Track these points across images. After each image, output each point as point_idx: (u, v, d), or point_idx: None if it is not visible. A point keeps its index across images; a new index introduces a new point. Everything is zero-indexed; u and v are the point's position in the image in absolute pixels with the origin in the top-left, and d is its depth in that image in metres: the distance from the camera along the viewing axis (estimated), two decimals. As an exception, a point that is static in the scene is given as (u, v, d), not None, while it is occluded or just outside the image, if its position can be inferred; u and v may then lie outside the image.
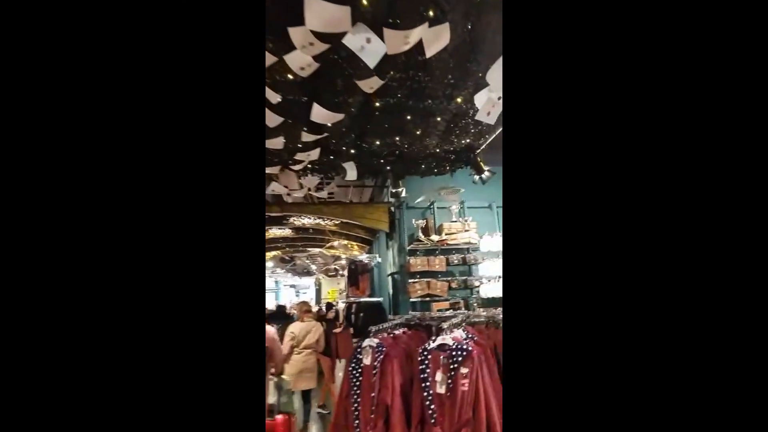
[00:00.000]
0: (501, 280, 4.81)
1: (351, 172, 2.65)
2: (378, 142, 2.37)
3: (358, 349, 2.26)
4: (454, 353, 1.99)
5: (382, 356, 2.15)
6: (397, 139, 2.32)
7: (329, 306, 4.86)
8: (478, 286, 4.75)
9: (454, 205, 4.98)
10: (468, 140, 2.45)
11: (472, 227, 4.94)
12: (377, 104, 1.99)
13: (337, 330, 4.38)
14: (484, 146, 2.70)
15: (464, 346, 1.99)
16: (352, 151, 2.40)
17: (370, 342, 2.24)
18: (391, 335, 2.44)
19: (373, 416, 2.07)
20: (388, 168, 2.78)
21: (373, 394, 2.10)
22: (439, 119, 2.13)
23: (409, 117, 2.08)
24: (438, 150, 2.58)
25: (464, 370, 1.94)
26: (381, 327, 2.43)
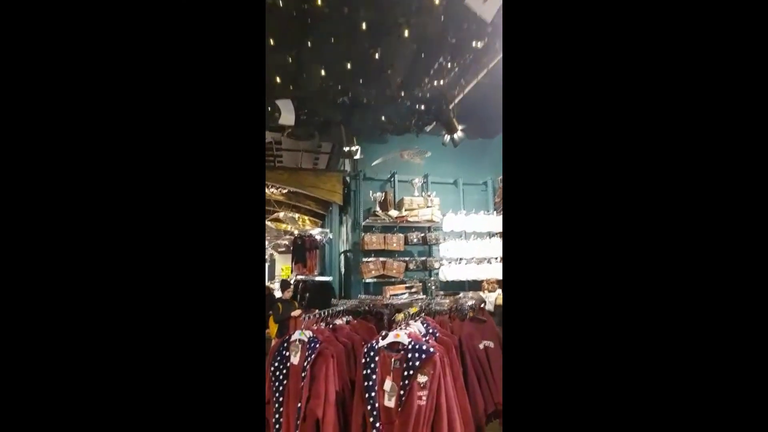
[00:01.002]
0: (464, 262, 4.45)
1: (287, 114, 2.02)
2: (323, 73, 1.73)
3: (284, 344, 1.70)
4: (409, 355, 1.49)
5: (314, 354, 1.62)
6: (349, 66, 1.71)
7: (285, 284, 4.16)
8: (438, 268, 4.35)
9: (416, 179, 4.49)
10: (441, 83, 1.90)
11: (435, 203, 4.49)
12: (320, 3, 1.35)
13: (296, 313, 3.76)
14: (460, 97, 2.18)
15: (423, 347, 1.50)
16: (290, 87, 1.77)
17: (299, 335, 1.69)
18: (330, 326, 1.90)
19: (298, 433, 1.55)
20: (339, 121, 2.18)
21: (300, 404, 1.58)
22: (406, 33, 1.51)
23: (364, 26, 1.43)
24: (402, 95, 2.01)
25: (422, 379, 1.45)
26: (311, 314, 1.88)
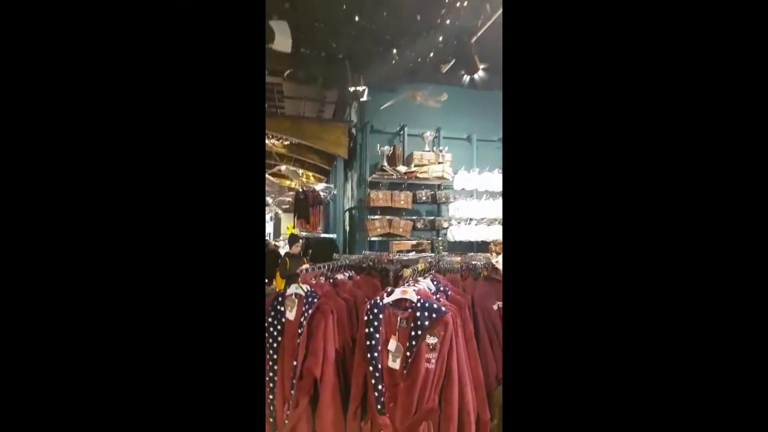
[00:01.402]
0: (473, 223, 4.24)
1: (282, 38, 1.72)
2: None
3: (279, 298, 1.54)
4: (418, 314, 1.32)
5: (312, 310, 1.46)
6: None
7: (294, 239, 3.98)
8: (447, 228, 4.16)
9: (427, 132, 4.19)
10: (459, 20, 1.57)
11: (446, 160, 4.22)
12: None
13: (304, 268, 3.62)
14: (484, 29, 1.84)
15: (434, 306, 1.32)
16: (286, 5, 1.47)
17: (296, 289, 1.52)
18: (331, 280, 1.74)
19: (293, 392, 1.43)
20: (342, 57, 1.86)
21: (295, 362, 1.44)
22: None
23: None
24: (418, 19, 1.69)
25: (431, 341, 1.29)
26: (316, 267, 1.71)
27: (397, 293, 1.38)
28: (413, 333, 1.30)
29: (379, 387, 1.32)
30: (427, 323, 1.29)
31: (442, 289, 1.54)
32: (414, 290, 1.38)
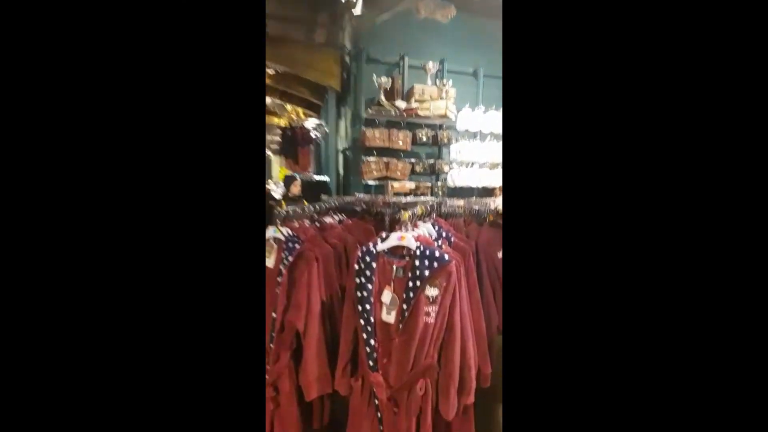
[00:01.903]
0: (476, 166, 3.98)
1: None
2: None
3: (257, 244, 1.33)
4: (417, 263, 1.12)
5: (293, 257, 1.26)
6: None
7: (289, 180, 3.70)
8: (447, 173, 3.90)
9: (430, 63, 3.75)
10: None
11: (450, 96, 3.83)
12: None
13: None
14: None
15: (435, 254, 1.12)
16: None
17: (274, 232, 1.31)
18: (317, 223, 1.52)
19: (273, 346, 1.28)
20: None
21: (274, 314, 1.27)
22: None
23: None
24: None
25: (431, 292, 1.10)
26: (299, 209, 1.49)
27: (394, 239, 1.17)
28: (411, 284, 1.12)
29: (372, 342, 1.17)
30: (427, 273, 1.10)
31: (444, 235, 1.34)
32: (413, 236, 1.17)
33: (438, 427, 1.15)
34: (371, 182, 3.70)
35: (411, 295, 1.11)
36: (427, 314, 1.11)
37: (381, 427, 1.16)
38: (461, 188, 3.92)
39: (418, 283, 1.11)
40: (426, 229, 1.30)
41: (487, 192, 3.97)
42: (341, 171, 4.22)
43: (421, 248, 1.13)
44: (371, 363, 1.16)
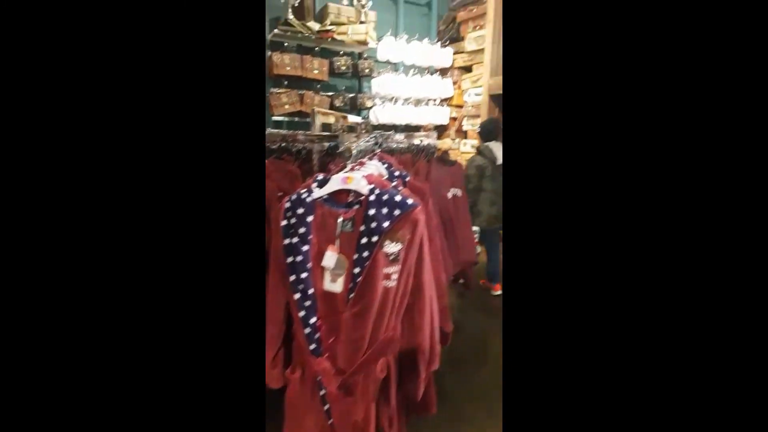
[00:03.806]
0: (400, 102, 3.67)
1: None
2: None
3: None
4: (372, 211, 0.83)
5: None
6: None
7: None
8: (370, 108, 3.53)
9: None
10: None
11: (370, 20, 3.34)
12: None
13: None
14: None
15: (396, 198, 0.83)
16: None
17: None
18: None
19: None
20: None
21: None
22: None
23: None
24: None
25: (392, 248, 0.83)
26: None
27: (336, 182, 0.84)
28: (364, 239, 0.83)
29: (311, 320, 0.87)
30: (386, 224, 0.81)
31: (398, 174, 1.04)
32: (363, 176, 0.85)
33: (401, 409, 0.95)
34: (281, 118, 3.16)
35: (365, 254, 0.83)
36: (387, 277, 0.84)
37: (330, 421, 0.92)
38: (385, 126, 3.62)
39: (374, 238, 0.82)
40: (375, 166, 0.99)
41: (413, 130, 3.75)
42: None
43: (376, 192, 0.82)
44: (313, 346, 0.88)
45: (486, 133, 2.54)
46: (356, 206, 0.84)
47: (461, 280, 1.88)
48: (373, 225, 0.81)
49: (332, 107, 3.28)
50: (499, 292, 2.62)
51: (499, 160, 2.43)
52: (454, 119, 3.96)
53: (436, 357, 0.96)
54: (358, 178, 0.84)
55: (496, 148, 2.48)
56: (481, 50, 3.48)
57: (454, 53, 3.91)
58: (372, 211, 0.82)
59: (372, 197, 0.82)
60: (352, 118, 2.98)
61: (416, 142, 1.54)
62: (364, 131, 3.41)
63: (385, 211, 0.82)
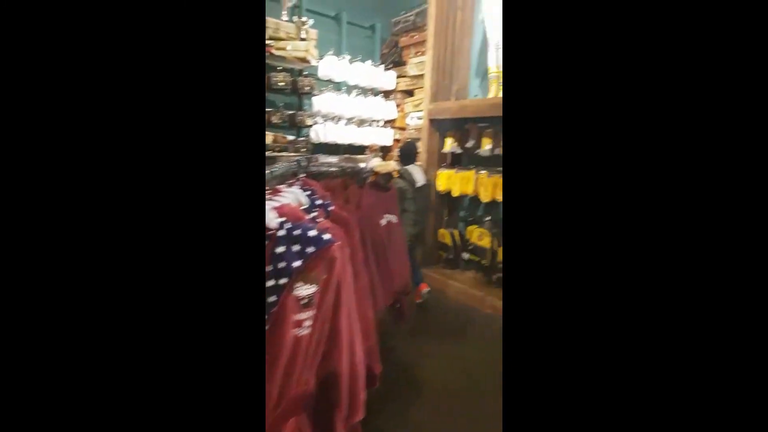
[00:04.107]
0: (342, 122, 3.62)
1: None
2: None
3: None
4: (281, 249, 0.72)
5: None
6: None
7: None
8: (311, 126, 3.42)
9: (286, -8, 3.10)
10: None
11: (311, 37, 3.28)
12: None
13: None
14: None
15: (310, 232, 0.74)
16: None
17: None
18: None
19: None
20: None
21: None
22: None
23: None
24: None
25: (305, 291, 0.73)
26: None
27: (240, 212, 0.73)
28: (271, 282, 0.72)
29: (209, 377, 0.73)
30: (297, 263, 0.71)
31: (319, 203, 0.95)
32: (273, 207, 0.75)
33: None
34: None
35: (271, 299, 0.72)
36: (299, 324, 0.73)
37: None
38: (327, 144, 3.53)
39: (281, 280, 0.71)
40: (294, 194, 0.89)
41: (355, 150, 3.70)
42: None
43: (288, 226, 0.72)
44: (212, 408, 0.74)
45: (405, 156, 2.63)
46: (266, 242, 0.74)
47: (398, 305, 1.81)
48: (282, 265, 0.71)
49: (269, 123, 3.13)
50: (428, 289, 2.66)
51: (419, 182, 2.54)
52: (397, 141, 4.00)
53: (358, 408, 0.87)
54: (267, 210, 0.74)
55: (415, 171, 2.58)
56: (422, 75, 3.57)
57: (397, 77, 3.97)
58: (281, 249, 0.71)
59: (281, 232, 0.72)
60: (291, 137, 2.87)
61: (357, 165, 1.47)
62: (304, 149, 3.29)
63: (296, 248, 0.72)
